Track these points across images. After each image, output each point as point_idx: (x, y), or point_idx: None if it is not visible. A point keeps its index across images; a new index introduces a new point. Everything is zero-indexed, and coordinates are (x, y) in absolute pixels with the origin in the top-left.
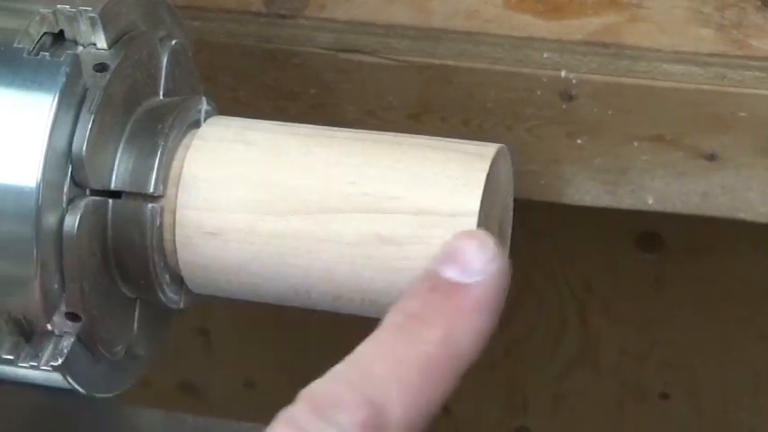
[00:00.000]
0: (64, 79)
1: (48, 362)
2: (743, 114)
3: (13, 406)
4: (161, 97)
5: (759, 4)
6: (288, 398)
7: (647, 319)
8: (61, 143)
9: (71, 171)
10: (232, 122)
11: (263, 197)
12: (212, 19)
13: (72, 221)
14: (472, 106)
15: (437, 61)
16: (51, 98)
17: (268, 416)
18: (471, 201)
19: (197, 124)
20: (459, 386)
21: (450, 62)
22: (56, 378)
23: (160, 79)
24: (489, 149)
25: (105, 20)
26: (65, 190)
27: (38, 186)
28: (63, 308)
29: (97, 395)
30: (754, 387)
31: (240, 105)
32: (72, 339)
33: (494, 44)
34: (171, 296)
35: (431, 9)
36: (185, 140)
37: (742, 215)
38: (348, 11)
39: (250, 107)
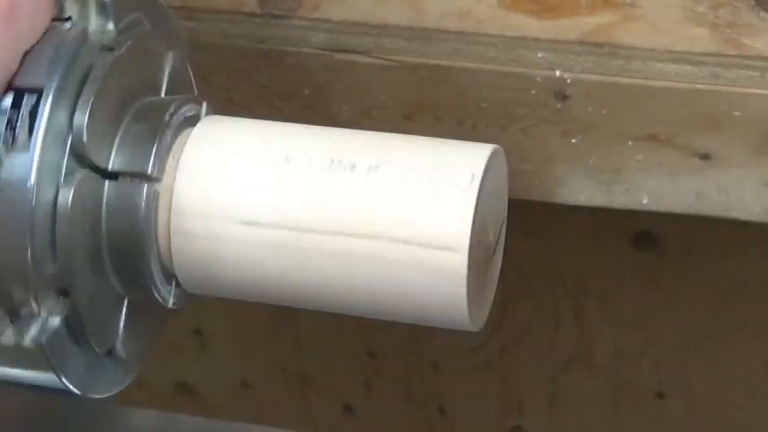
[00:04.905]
0: (69, 55)
1: (33, 340)
2: (737, 113)
3: (8, 408)
4: (142, 99)
5: (753, 3)
6: (283, 398)
7: (642, 318)
8: (62, 117)
9: (70, 144)
10: (226, 124)
11: (256, 200)
12: (206, 19)
13: (66, 194)
14: (466, 106)
15: (431, 61)
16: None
17: (264, 416)
18: (462, 231)
19: (193, 121)
20: (453, 386)
21: (444, 62)
22: (51, 379)
23: (163, 79)
24: (481, 157)
25: (115, 8)
26: (63, 163)
27: (36, 157)
28: (52, 283)
29: (92, 396)
30: (749, 386)
31: (234, 106)
32: (58, 319)
33: (487, 44)
34: (164, 294)
35: (424, 9)
36: (179, 143)
37: (736, 214)
38: (341, 11)
39: (244, 107)
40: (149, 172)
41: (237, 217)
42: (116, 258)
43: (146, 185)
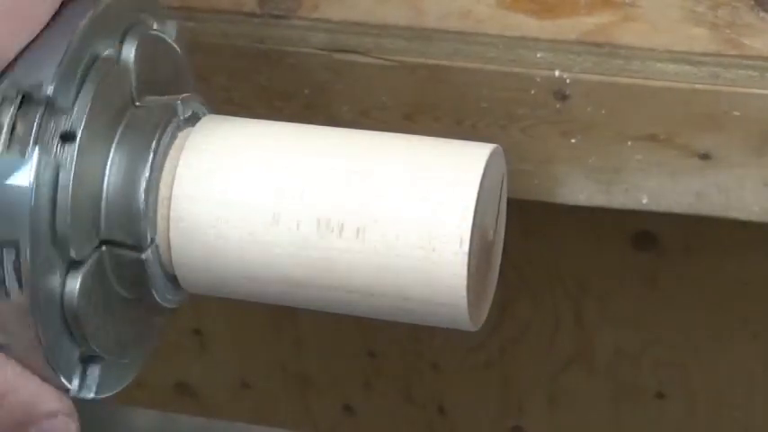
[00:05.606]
0: (34, 184)
1: (78, 393)
2: (736, 113)
3: None
4: (136, 103)
5: (752, 3)
6: (283, 398)
7: (641, 318)
8: (44, 224)
9: (61, 254)
10: (220, 130)
11: (250, 261)
12: (206, 20)
13: (72, 289)
14: (465, 106)
15: (430, 61)
16: (28, 193)
17: (263, 416)
18: (463, 230)
19: (188, 123)
20: (453, 386)
21: (444, 62)
22: None
23: (131, 86)
24: (481, 157)
25: (63, 83)
26: (57, 264)
27: (32, 310)
28: (80, 355)
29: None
30: (748, 386)
31: (234, 106)
32: (98, 369)
33: (487, 44)
34: (174, 303)
35: (424, 9)
36: (173, 152)
37: (736, 214)
38: (341, 11)
39: (244, 107)
40: (143, 244)
41: (237, 273)
42: (123, 282)
43: (142, 252)
